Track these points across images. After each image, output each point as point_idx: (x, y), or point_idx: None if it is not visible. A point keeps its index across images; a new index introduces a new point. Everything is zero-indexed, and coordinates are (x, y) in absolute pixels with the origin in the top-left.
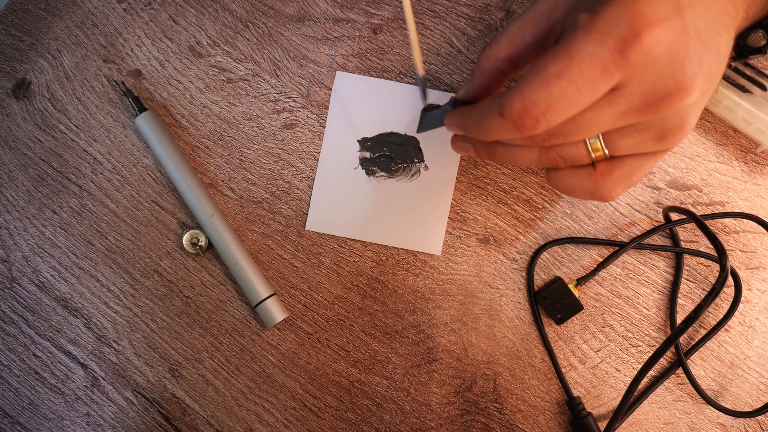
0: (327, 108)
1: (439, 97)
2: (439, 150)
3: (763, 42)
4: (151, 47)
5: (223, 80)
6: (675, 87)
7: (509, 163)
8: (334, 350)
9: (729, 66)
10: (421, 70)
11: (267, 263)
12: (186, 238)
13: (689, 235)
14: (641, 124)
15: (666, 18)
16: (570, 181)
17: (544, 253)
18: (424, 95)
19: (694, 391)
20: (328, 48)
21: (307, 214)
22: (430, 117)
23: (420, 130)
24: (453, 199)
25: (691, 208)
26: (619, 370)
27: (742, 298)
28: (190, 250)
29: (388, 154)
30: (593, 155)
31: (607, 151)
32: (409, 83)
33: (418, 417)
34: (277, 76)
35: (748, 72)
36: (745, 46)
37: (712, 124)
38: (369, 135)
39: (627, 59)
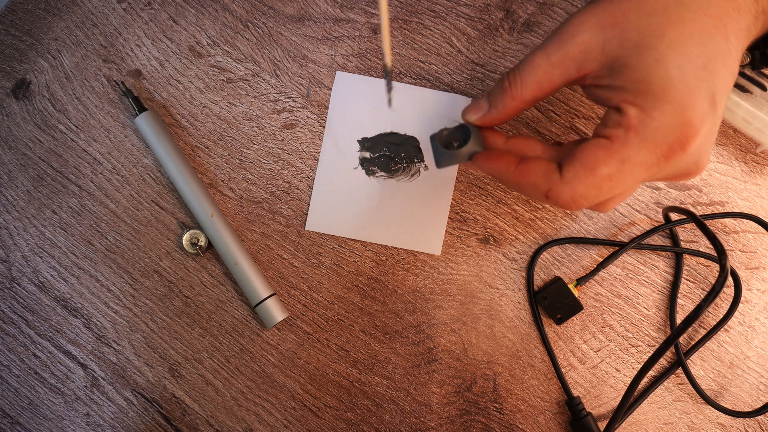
0: (327, 108)
1: (436, 98)
2: None
3: (747, 60)
4: (151, 47)
5: (223, 80)
6: (695, 169)
7: None
8: (334, 350)
9: None
10: (388, 60)
11: (267, 263)
12: (186, 238)
13: (689, 235)
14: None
15: (705, 119)
16: None
17: (544, 253)
18: (389, 87)
19: (694, 391)
20: (328, 48)
21: (307, 214)
22: (453, 155)
23: (441, 165)
24: (453, 199)
25: (691, 208)
26: (618, 370)
27: (742, 298)
28: (190, 250)
29: (388, 154)
30: None
31: None
32: (409, 83)
33: (418, 417)
34: (277, 76)
35: (747, 72)
36: None
37: (715, 138)
38: (369, 135)
39: (669, 162)
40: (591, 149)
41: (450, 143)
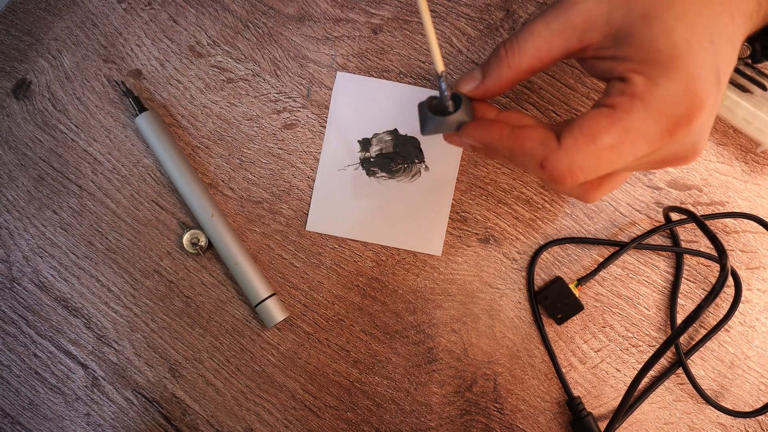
0: (327, 108)
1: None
2: (440, 150)
3: (747, 53)
4: (151, 47)
5: (223, 80)
6: (692, 152)
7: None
8: (334, 350)
9: None
10: (440, 66)
11: (267, 263)
12: (186, 238)
13: (689, 235)
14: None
15: (710, 94)
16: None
17: (545, 253)
18: (443, 95)
19: (694, 391)
20: (328, 48)
21: (307, 214)
22: (441, 121)
23: (427, 132)
24: (453, 199)
25: (692, 208)
26: (619, 370)
27: (742, 298)
28: (190, 250)
29: (389, 155)
30: None
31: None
32: (409, 83)
33: (418, 417)
34: (277, 76)
35: (748, 72)
36: None
37: (713, 123)
38: (369, 135)
39: (673, 138)
40: (593, 117)
41: (439, 112)
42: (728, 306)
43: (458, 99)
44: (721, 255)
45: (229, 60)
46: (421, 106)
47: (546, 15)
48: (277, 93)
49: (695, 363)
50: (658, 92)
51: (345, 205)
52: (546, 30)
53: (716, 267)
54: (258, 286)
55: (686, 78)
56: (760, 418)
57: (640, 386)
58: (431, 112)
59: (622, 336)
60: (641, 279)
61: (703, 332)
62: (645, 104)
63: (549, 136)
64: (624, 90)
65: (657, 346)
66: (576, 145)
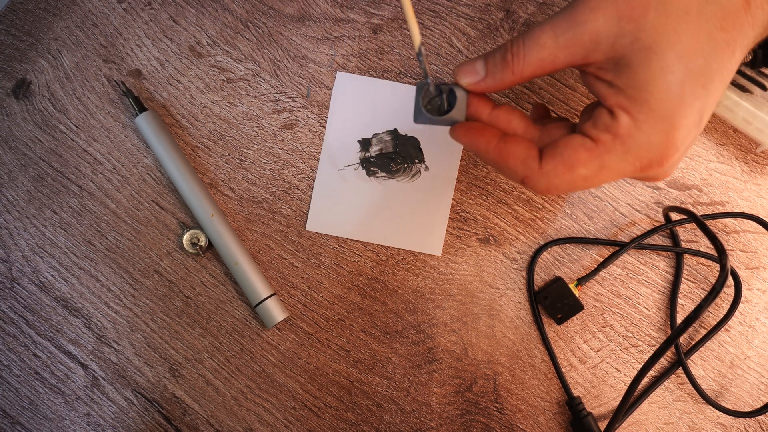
0: (327, 108)
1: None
2: (440, 150)
3: (749, 58)
4: (151, 47)
5: (223, 80)
6: (662, 177)
7: None
8: (334, 350)
9: None
10: (417, 41)
11: (267, 263)
12: (186, 238)
13: (689, 235)
14: None
15: (687, 138)
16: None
17: (545, 253)
18: (425, 73)
19: (694, 391)
20: (328, 48)
21: (307, 214)
22: (432, 118)
23: (418, 122)
24: (453, 199)
25: (692, 208)
26: (619, 370)
27: (742, 298)
28: (190, 250)
29: (389, 155)
30: None
31: None
32: (409, 83)
33: (418, 417)
34: (277, 76)
35: (748, 72)
36: None
37: (712, 124)
38: (369, 135)
39: (643, 173)
40: (574, 148)
41: (434, 99)
42: (728, 306)
43: (453, 95)
44: (721, 255)
45: (229, 60)
46: (418, 93)
47: (555, 26)
48: (277, 93)
49: (695, 363)
50: (639, 138)
51: (345, 205)
52: (553, 43)
53: (716, 267)
54: (258, 286)
55: (668, 128)
56: (760, 418)
57: (640, 386)
58: (426, 103)
59: (622, 336)
60: (641, 279)
61: (703, 332)
62: (624, 147)
63: (531, 155)
64: (609, 127)
65: (657, 346)
66: (555, 172)
